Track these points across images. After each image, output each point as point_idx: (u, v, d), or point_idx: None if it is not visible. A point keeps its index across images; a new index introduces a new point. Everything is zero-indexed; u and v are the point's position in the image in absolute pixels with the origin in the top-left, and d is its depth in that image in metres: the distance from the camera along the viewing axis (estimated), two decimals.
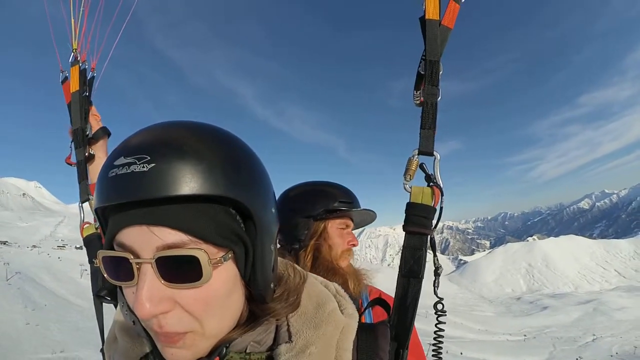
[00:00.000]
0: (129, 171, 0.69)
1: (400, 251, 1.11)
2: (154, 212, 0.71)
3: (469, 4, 1.22)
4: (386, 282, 1.94)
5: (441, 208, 1.14)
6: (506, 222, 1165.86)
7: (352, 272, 1.94)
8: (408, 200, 1.15)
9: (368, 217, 2.11)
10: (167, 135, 0.75)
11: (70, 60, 1.74)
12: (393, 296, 1.11)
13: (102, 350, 1.26)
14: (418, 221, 1.11)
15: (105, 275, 0.77)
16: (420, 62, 1.20)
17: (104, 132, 1.81)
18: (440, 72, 1.18)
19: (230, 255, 0.77)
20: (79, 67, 1.72)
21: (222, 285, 0.77)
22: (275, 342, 0.88)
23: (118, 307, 1.00)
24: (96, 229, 1.51)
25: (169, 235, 0.71)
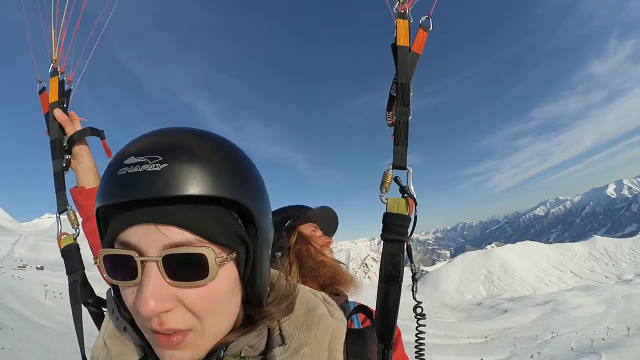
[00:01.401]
0: (140, 170, 0.70)
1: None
2: (162, 211, 0.72)
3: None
4: (352, 296, 2.04)
5: (415, 217, 1.24)
6: (465, 232, 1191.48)
7: (340, 265, 2.08)
8: (385, 211, 1.24)
9: (329, 215, 2.27)
10: (177, 139, 0.77)
11: (49, 70, 1.73)
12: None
13: None
14: (395, 229, 1.21)
15: (104, 275, 0.78)
16: (392, 84, 1.33)
17: (92, 132, 1.74)
18: (411, 94, 1.30)
19: (234, 256, 0.79)
20: (58, 78, 1.72)
21: (224, 285, 0.79)
22: (268, 347, 0.90)
23: (107, 314, 1.00)
24: (74, 239, 1.51)
25: (176, 235, 0.72)
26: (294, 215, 2.14)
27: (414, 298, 1.23)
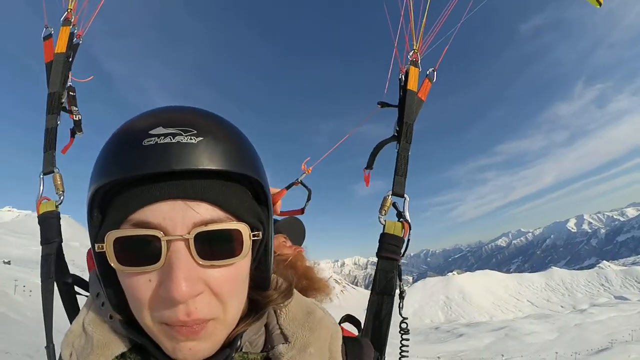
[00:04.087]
0: (174, 141, 0.66)
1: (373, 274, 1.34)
2: (194, 185, 0.68)
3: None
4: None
5: (408, 240, 1.38)
6: (428, 259, 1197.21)
7: (312, 270, 2.01)
8: (382, 231, 1.41)
9: (295, 224, 2.21)
10: (205, 115, 0.75)
11: (61, 19, 1.65)
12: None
13: (47, 347, 1.21)
14: (390, 249, 1.36)
15: (113, 263, 0.69)
16: (396, 123, 1.57)
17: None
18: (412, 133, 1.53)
19: (259, 234, 0.77)
20: (70, 29, 1.64)
21: (246, 265, 0.77)
22: (268, 344, 0.89)
23: (88, 298, 0.93)
24: (57, 206, 1.39)
25: (207, 211, 0.68)
26: None
27: (400, 314, 1.31)
